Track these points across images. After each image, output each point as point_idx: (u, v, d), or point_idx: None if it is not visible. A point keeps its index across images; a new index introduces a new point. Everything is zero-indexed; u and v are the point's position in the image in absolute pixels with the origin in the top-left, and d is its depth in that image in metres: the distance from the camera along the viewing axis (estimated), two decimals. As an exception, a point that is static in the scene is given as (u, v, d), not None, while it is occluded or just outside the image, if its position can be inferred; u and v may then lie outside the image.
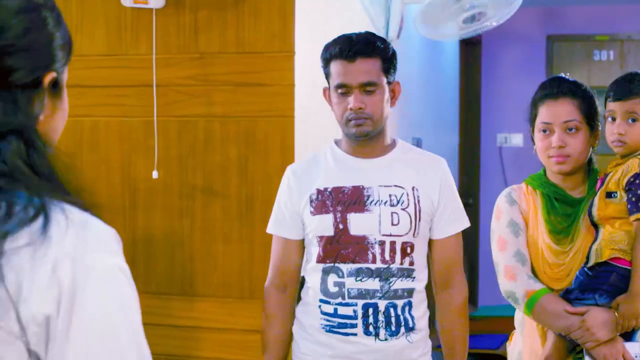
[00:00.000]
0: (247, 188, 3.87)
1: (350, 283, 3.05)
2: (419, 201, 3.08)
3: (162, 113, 3.96)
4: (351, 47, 3.02)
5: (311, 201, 3.11)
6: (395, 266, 3.05)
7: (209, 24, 3.90)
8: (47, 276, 1.28)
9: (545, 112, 3.10)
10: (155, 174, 3.93)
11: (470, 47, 8.45)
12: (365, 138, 3.08)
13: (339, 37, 3.09)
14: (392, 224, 3.04)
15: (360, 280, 3.04)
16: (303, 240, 3.19)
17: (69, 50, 1.52)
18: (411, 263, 3.07)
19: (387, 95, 3.07)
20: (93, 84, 4.04)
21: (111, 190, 4.04)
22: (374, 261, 3.04)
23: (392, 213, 3.05)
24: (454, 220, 3.16)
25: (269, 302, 3.26)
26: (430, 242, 3.17)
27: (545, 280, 3.06)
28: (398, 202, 3.06)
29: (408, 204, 3.07)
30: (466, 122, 8.33)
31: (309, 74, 3.88)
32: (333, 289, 3.08)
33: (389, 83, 3.09)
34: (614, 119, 3.02)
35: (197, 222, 3.95)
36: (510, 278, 3.08)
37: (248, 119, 3.86)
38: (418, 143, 6.18)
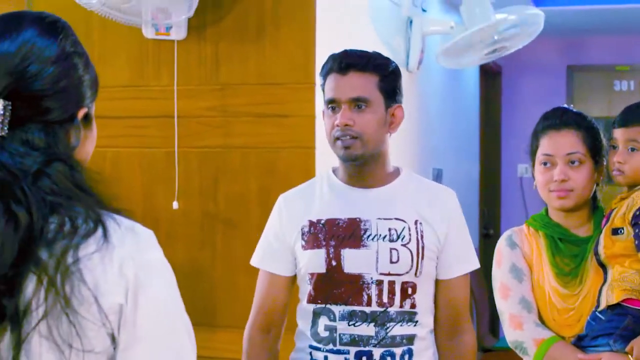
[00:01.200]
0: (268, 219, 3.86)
1: (343, 327, 2.74)
2: (422, 236, 2.77)
3: (183, 144, 3.97)
4: (344, 59, 2.78)
5: (303, 234, 2.81)
6: (393, 309, 2.74)
7: (230, 55, 3.92)
8: (116, 274, 1.58)
9: (547, 144, 2.91)
10: (175, 205, 3.94)
11: (491, 78, 8.46)
12: (357, 163, 2.76)
13: (338, 52, 2.85)
14: (391, 262, 2.73)
15: (354, 324, 2.73)
16: (292, 277, 2.89)
17: (96, 86, 1.80)
18: (413, 305, 2.76)
19: (382, 116, 2.76)
20: (115, 115, 4.06)
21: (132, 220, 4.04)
22: (368, 303, 2.72)
23: (391, 249, 2.74)
24: (462, 259, 2.87)
25: (251, 345, 2.94)
26: (436, 283, 2.86)
27: (555, 328, 2.87)
28: (398, 237, 2.75)
29: (410, 240, 2.76)
30: (487, 152, 8.31)
31: (329, 105, 3.89)
32: (324, 333, 2.77)
33: (388, 105, 2.79)
34: (615, 147, 2.87)
35: (218, 252, 3.95)
36: (516, 327, 2.88)
37: (269, 150, 3.87)
38: (439, 174, 6.18)
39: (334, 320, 2.75)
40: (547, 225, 2.95)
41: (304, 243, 2.80)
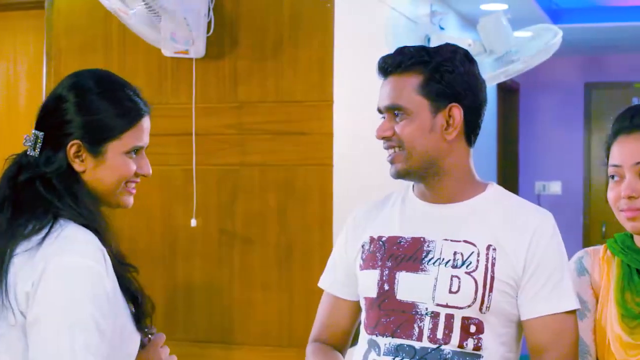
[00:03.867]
0: (286, 236, 3.87)
1: None
2: (493, 265, 2.27)
3: (201, 161, 3.98)
4: (385, 61, 2.41)
5: (362, 252, 2.44)
6: (449, 348, 2.26)
7: (248, 73, 3.93)
8: (31, 268, 1.99)
9: (615, 152, 2.31)
10: (193, 222, 3.95)
11: (508, 95, 8.45)
12: (407, 179, 2.40)
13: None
14: (450, 291, 2.27)
15: None
16: (358, 302, 2.50)
17: (95, 128, 2.12)
18: (477, 347, 2.27)
19: (427, 122, 2.32)
20: (133, 132, 4.07)
21: (151, 237, 4.06)
22: (419, 338, 2.28)
23: (452, 277, 2.28)
24: (551, 296, 2.28)
25: (308, 355, 2.59)
26: (522, 325, 2.34)
27: None
28: (463, 263, 2.29)
29: (476, 267, 2.28)
30: (504, 169, 8.30)
31: (347, 123, 3.90)
32: None
33: (437, 108, 2.33)
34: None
35: (236, 270, 3.96)
36: None
37: (286, 168, 3.88)
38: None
39: (379, 354, 2.33)
40: (626, 251, 2.34)
41: (361, 262, 2.44)
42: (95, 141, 2.11)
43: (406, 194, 2.48)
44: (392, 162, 2.36)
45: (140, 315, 2.14)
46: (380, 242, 2.40)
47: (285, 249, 3.88)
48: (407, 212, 2.43)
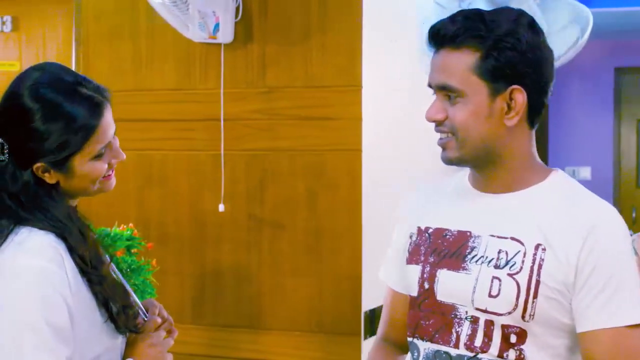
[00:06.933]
0: (315, 221, 3.86)
1: None
2: (540, 267, 2.00)
3: (229, 147, 3.98)
4: (438, 30, 2.08)
5: (410, 243, 2.23)
6: (487, 357, 2.04)
7: (276, 58, 3.92)
8: None
9: None
10: (222, 208, 3.95)
11: (537, 80, 8.41)
12: (461, 166, 2.18)
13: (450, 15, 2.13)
14: (490, 295, 2.03)
15: None
16: None
17: (61, 150, 2.08)
18: (520, 358, 2.02)
19: (484, 106, 2.05)
20: (162, 118, 4.08)
21: (179, 222, 4.07)
22: (456, 344, 2.07)
23: (493, 278, 2.03)
24: (608, 306, 1.98)
25: (370, 354, 2.43)
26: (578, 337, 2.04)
27: None
28: (507, 263, 2.03)
29: (521, 269, 2.01)
30: (533, 155, 8.27)
31: (376, 108, 3.88)
32: None
33: (496, 90, 2.04)
34: None
35: (265, 255, 3.96)
36: None
37: (315, 153, 3.87)
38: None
39: (417, 359, 2.16)
40: None
41: (407, 255, 2.23)
42: (59, 161, 2.09)
43: (461, 180, 2.23)
44: (443, 147, 2.11)
45: (115, 320, 2.12)
46: (427, 234, 2.19)
47: (314, 235, 3.87)
48: (457, 202, 2.19)
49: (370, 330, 3.77)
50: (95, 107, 2.11)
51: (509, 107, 2.05)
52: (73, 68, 4.25)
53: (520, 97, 2.04)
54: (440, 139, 2.11)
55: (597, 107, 8.56)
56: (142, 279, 3.37)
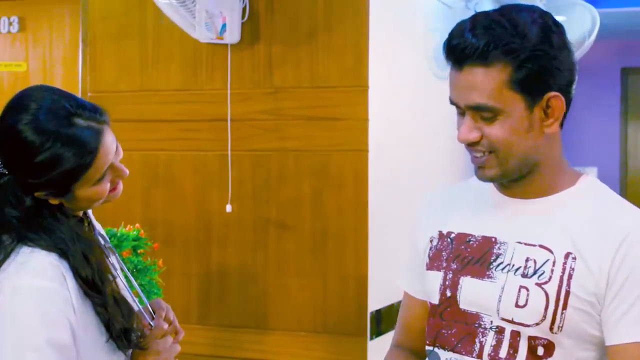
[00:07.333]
0: (321, 222, 3.87)
1: None
2: (570, 277, 1.92)
3: (236, 147, 3.98)
4: (458, 44, 1.93)
5: (430, 248, 2.15)
6: None
7: (283, 59, 3.92)
8: None
9: None
10: (228, 208, 3.96)
11: (544, 80, 8.40)
12: (500, 182, 2.07)
13: (462, 23, 1.98)
14: (517, 305, 1.95)
15: None
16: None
17: (62, 181, 2.08)
18: None
19: (523, 119, 1.94)
20: (168, 118, 4.09)
21: (185, 223, 4.07)
22: (479, 355, 1.99)
23: (520, 287, 1.95)
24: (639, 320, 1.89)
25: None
26: (607, 351, 1.95)
27: None
28: (535, 272, 1.94)
29: (550, 279, 1.93)
30: (539, 155, 8.26)
31: (383, 109, 3.89)
32: None
33: (533, 100, 1.94)
34: None
35: (271, 255, 3.96)
36: None
37: (322, 153, 3.87)
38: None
39: None
40: None
41: (427, 260, 2.15)
42: (61, 192, 2.10)
43: (483, 183, 2.10)
44: (481, 166, 2.00)
45: (116, 339, 2.11)
46: (449, 239, 2.10)
47: (320, 235, 3.87)
48: (481, 206, 2.10)
49: (376, 331, 3.77)
50: (92, 137, 2.07)
51: (546, 114, 1.97)
52: (80, 68, 4.27)
53: (557, 102, 1.97)
54: (476, 157, 2.00)
55: (604, 107, 8.56)
56: (148, 279, 3.37)
